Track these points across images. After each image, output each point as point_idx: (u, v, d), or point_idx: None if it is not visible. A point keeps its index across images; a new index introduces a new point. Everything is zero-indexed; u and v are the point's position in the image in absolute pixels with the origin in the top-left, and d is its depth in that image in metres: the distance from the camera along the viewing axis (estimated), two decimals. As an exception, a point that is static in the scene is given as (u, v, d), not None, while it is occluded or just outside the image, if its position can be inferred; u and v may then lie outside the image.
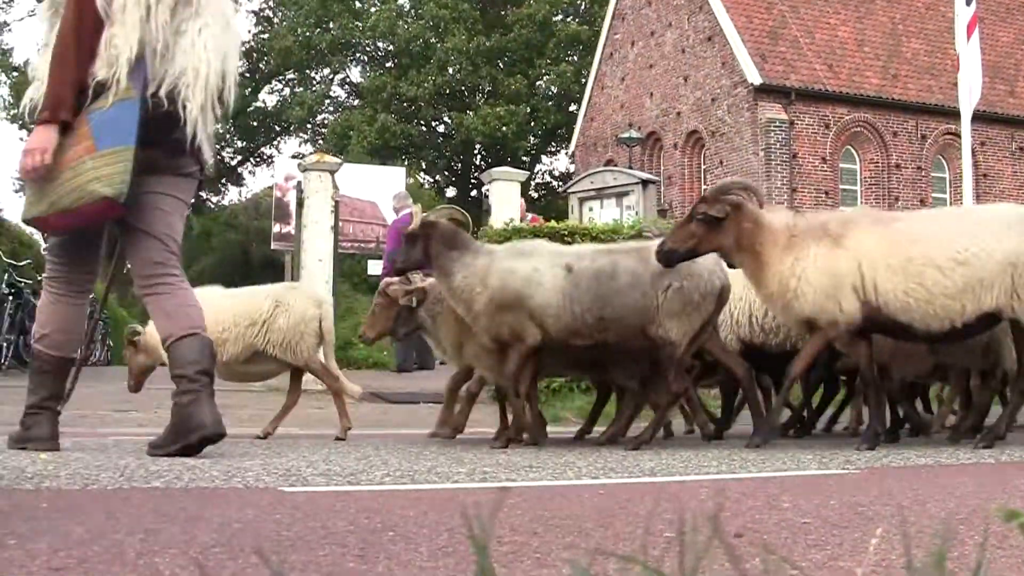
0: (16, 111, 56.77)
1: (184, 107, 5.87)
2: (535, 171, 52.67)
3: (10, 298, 20.79)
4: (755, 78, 30.94)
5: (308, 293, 8.76)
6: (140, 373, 8.94)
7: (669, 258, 7.36)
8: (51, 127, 5.68)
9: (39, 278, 23.46)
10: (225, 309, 8.38)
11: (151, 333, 8.37)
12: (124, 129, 5.67)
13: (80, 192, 5.68)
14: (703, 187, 33.82)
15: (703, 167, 34.42)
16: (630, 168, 27.65)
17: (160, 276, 6.10)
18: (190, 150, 6.02)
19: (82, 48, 5.73)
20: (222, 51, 6.03)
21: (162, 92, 5.79)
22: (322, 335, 8.53)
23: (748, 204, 7.49)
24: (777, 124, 30.84)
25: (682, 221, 7.61)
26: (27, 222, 6.35)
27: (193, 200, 6.70)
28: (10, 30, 62.37)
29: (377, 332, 8.55)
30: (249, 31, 59.68)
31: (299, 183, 19.94)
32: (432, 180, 54.65)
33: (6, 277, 20.91)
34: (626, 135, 34.23)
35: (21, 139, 61.76)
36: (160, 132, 5.83)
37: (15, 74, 56.24)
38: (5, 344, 20.77)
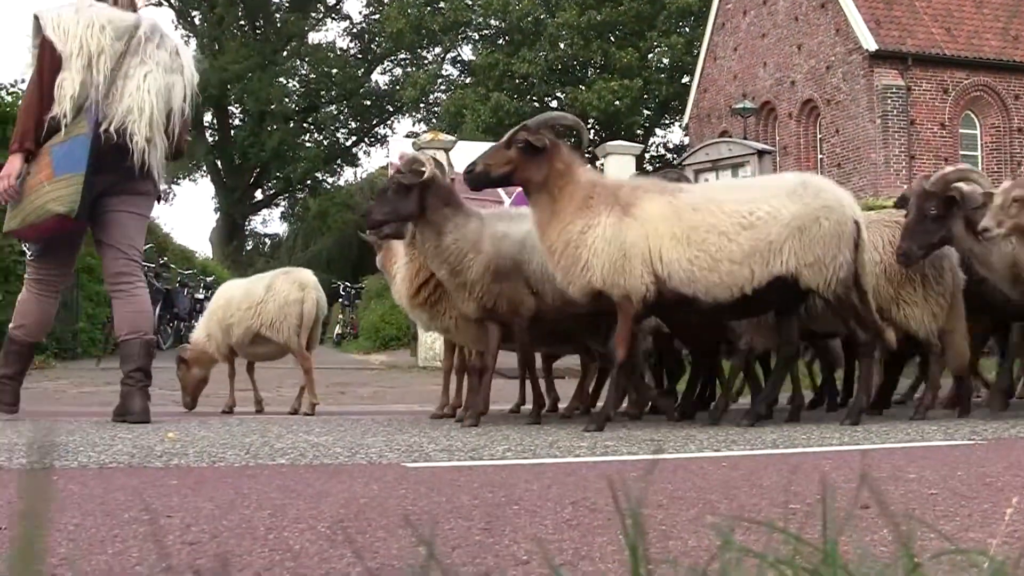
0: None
1: (132, 139, 7.09)
2: (649, 144, 52.39)
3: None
4: (870, 44, 30.45)
5: (295, 277, 9.35)
6: (195, 387, 9.47)
7: (478, 181, 7.23)
8: (17, 156, 7.04)
9: (161, 261, 23.94)
10: (234, 297, 9.33)
11: (195, 344, 9.02)
12: (77, 159, 6.93)
13: (41, 210, 6.97)
14: (819, 157, 33.42)
15: (819, 136, 33.99)
16: (745, 139, 27.42)
17: (120, 283, 7.32)
18: (143, 174, 7.19)
19: (42, 90, 7.04)
20: (166, 92, 7.31)
21: (112, 128, 7.05)
22: (303, 316, 9.16)
23: (565, 146, 7.26)
24: (894, 91, 30.34)
25: (500, 145, 7.25)
26: (6, 234, 7.57)
27: (152, 213, 8.04)
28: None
29: None
30: (360, 12, 60.10)
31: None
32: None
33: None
34: (740, 106, 33.90)
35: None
36: (114, 160, 7.06)
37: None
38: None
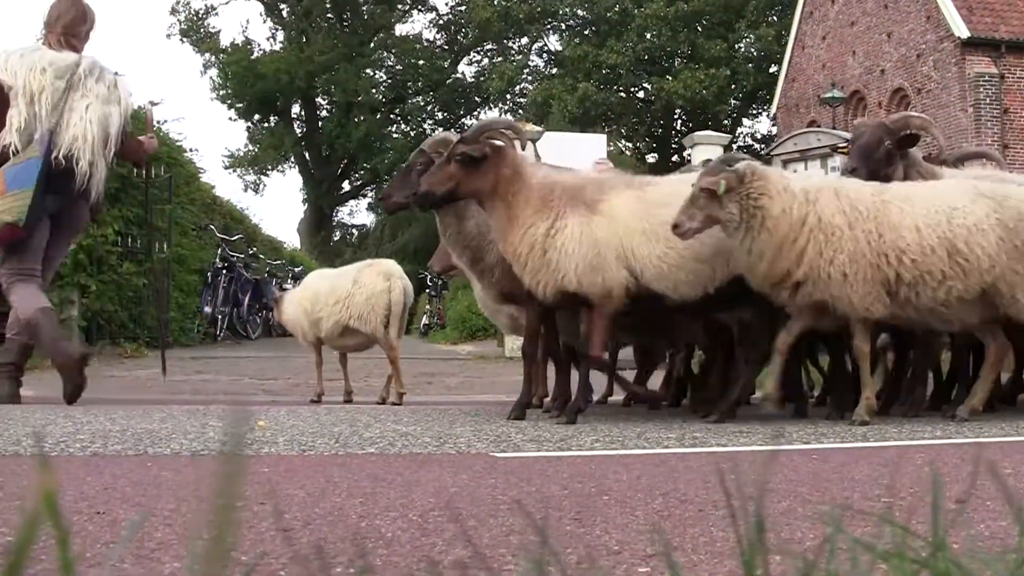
0: (225, 91, 58.48)
1: (77, 164, 8.15)
2: (736, 134, 52.11)
3: (224, 272, 21.34)
4: (962, 31, 30.02)
5: (380, 268, 9.39)
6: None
7: (424, 202, 7.12)
8: None
9: (250, 251, 24.16)
10: (321, 291, 9.47)
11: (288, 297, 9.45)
12: (27, 177, 7.99)
13: None
14: (910, 146, 32.97)
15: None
16: (834, 128, 27.12)
17: (37, 275, 8.32)
18: (84, 193, 8.26)
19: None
20: (105, 120, 8.28)
21: (61, 155, 8.09)
22: (390, 307, 9.21)
23: (511, 150, 7.04)
24: (986, 79, 29.89)
25: (442, 161, 7.05)
26: None
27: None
28: (217, 14, 63.88)
29: None
30: (447, 4, 60.22)
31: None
32: (633, 147, 54.49)
33: (219, 252, 21.47)
34: (829, 95, 33.57)
35: (230, 119, 63.53)
36: (64, 183, 8.16)
37: (223, 56, 57.66)
38: (220, 316, 21.39)
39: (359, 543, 2.68)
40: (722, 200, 6.48)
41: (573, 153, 26.49)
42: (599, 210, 6.87)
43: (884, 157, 7.31)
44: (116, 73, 8.58)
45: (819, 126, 30.89)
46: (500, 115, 57.97)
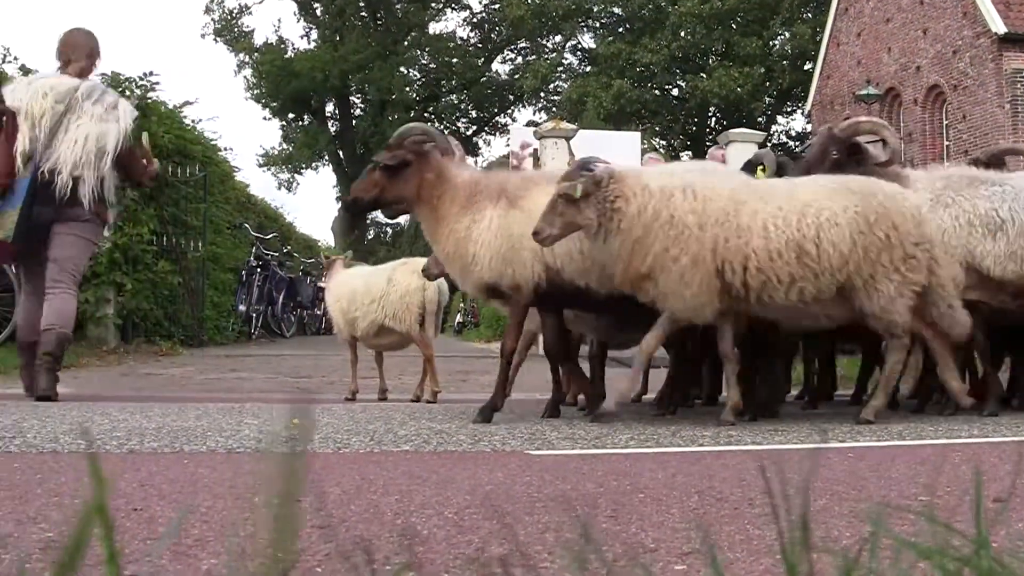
0: (259, 90, 58.68)
1: (58, 176, 8.59)
2: (771, 132, 51.93)
3: (258, 270, 21.41)
4: (999, 27, 29.79)
5: (414, 267, 9.26)
6: None
7: (353, 207, 7.40)
8: None
9: (284, 250, 24.24)
10: (357, 290, 9.47)
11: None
12: (17, 197, 8.57)
13: None
14: (945, 143, 32.83)
15: (945, 123, 33.36)
16: (868, 126, 27.01)
17: (52, 287, 8.68)
18: (74, 204, 8.68)
19: (7, 148, 8.66)
20: (101, 137, 8.75)
21: (46, 169, 8.60)
22: (424, 305, 9.17)
23: (433, 154, 7.14)
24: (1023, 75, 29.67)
25: (368, 169, 7.35)
26: None
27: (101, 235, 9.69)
28: (250, 13, 64.13)
29: None
30: (480, 2, 60.22)
31: (535, 150, 20.05)
32: (667, 144, 54.40)
33: (254, 250, 21.54)
34: (864, 92, 33.42)
35: (264, 118, 63.66)
36: (50, 195, 8.61)
37: (256, 55, 57.84)
38: (255, 315, 21.46)
39: (396, 540, 2.69)
40: (580, 205, 6.44)
41: (607, 151, 26.46)
42: (519, 205, 6.91)
43: (830, 168, 7.22)
44: (138, 93, 9.31)
45: (854, 123, 30.71)
46: (534, 112, 58.03)
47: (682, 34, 48.52)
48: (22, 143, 8.61)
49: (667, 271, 6.39)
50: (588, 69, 54.00)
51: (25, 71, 15.94)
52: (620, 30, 52.71)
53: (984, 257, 6.96)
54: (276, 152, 62.24)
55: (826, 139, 7.41)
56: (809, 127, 42.80)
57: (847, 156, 7.29)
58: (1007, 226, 6.96)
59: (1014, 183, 7.21)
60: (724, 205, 6.45)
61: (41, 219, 8.64)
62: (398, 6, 60.24)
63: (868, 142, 7.46)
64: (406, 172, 7.11)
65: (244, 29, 59.51)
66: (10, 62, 16.55)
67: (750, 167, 8.04)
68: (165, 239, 16.52)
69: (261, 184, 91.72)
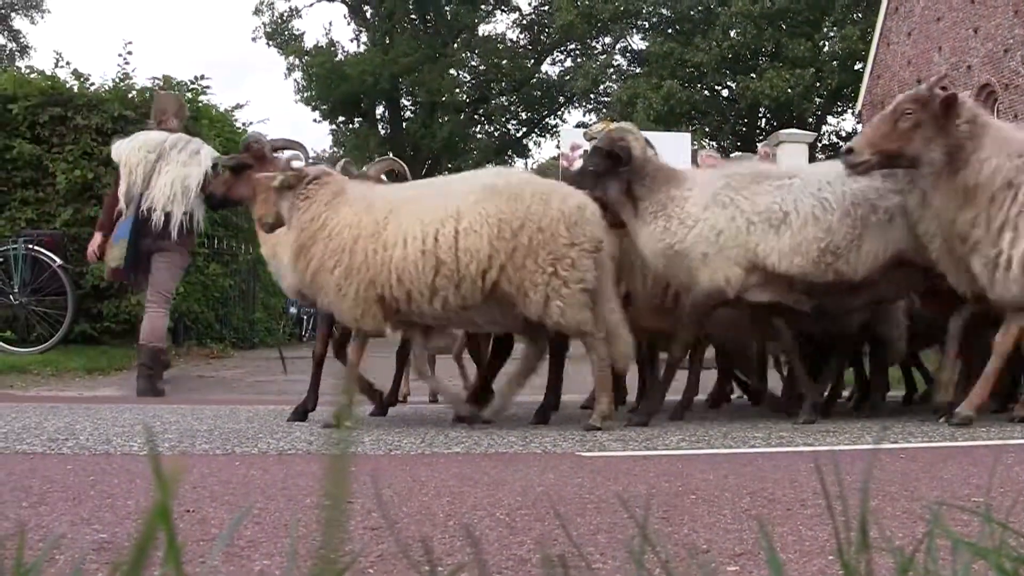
0: (309, 93, 58.92)
1: (153, 213, 10.59)
2: (821, 132, 51.63)
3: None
4: (1051, 25, 29.52)
5: None
6: None
7: (209, 202, 9.07)
8: (99, 234, 11.07)
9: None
10: None
11: None
12: (124, 231, 10.59)
13: (105, 265, 11.07)
14: (998, 142, 32.48)
15: (1026, 123, 33.01)
16: (920, 125, 26.83)
17: (147, 306, 10.87)
18: (166, 236, 10.65)
19: (114, 195, 10.96)
20: (183, 179, 10.69)
21: (144, 208, 10.61)
22: None
23: (275, 159, 7.88)
24: (1076, 74, 29.38)
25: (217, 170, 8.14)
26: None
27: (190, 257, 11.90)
28: (300, 16, 64.40)
29: None
30: (530, 4, 60.16)
31: (585, 152, 20.05)
32: (718, 145, 54.20)
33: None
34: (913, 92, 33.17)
35: (314, 120, 63.83)
36: (149, 229, 10.63)
37: (307, 58, 58.06)
38: (306, 317, 21.56)
39: (449, 542, 2.69)
40: (280, 196, 6.74)
41: (657, 151, 26.44)
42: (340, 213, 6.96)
43: (590, 180, 7.11)
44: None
45: (905, 123, 30.50)
46: (584, 114, 58.01)
47: (732, 34, 48.34)
48: (123, 188, 10.69)
49: (326, 280, 6.51)
50: (638, 70, 53.90)
51: (77, 75, 16.08)
52: (669, 31, 52.58)
53: (768, 254, 6.80)
54: (327, 155, 62.49)
55: (592, 152, 7.32)
56: (859, 127, 42.52)
57: (606, 167, 7.12)
58: (791, 219, 6.79)
59: (803, 176, 7.05)
60: (378, 217, 6.52)
61: (143, 249, 10.66)
62: (447, 8, 60.30)
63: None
64: (244, 175, 8.00)
65: (294, 32, 59.74)
66: (62, 67, 16.66)
67: None
68: (216, 241, 16.61)
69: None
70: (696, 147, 38.44)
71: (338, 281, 6.47)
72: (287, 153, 8.36)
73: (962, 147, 6.35)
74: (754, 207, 6.86)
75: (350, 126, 61.60)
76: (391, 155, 11.65)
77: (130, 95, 15.83)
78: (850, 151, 6.51)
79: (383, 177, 8.36)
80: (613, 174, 7.03)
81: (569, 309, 6.28)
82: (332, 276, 6.47)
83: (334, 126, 61.89)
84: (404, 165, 8.59)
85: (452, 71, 58.62)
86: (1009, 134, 6.49)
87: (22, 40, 57.89)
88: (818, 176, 6.98)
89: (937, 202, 6.43)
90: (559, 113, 61.57)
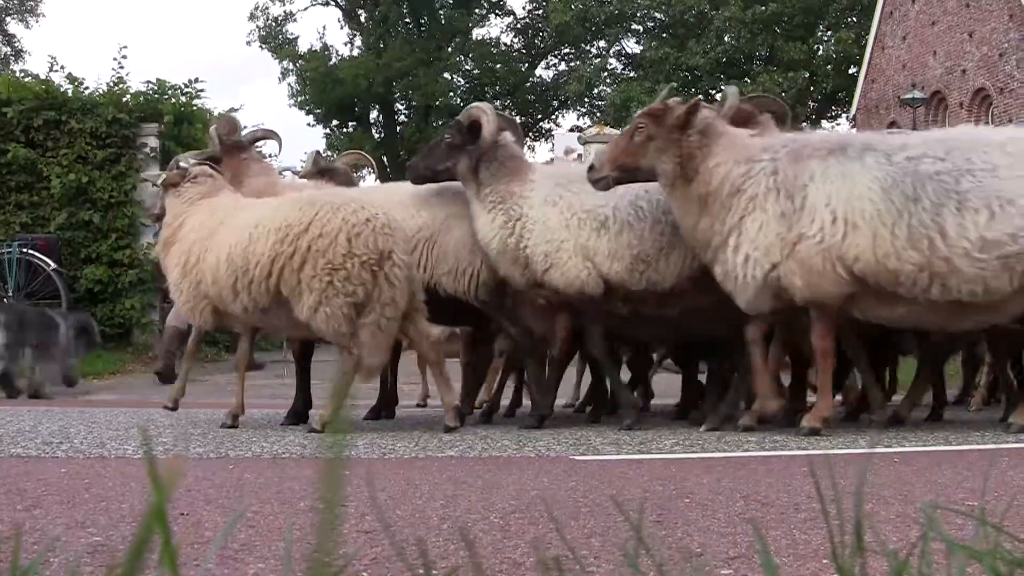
0: (304, 97, 58.87)
1: None
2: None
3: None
4: (1047, 30, 29.55)
5: None
6: None
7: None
8: None
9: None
10: None
11: None
12: None
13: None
14: (992, 147, 32.48)
15: (991, 126, 33.03)
16: (914, 129, 26.85)
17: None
18: None
19: None
20: None
21: None
22: None
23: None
24: (1071, 78, 29.42)
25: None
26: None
27: None
28: (295, 20, 64.35)
29: None
30: (524, 8, 60.24)
31: (579, 156, 20.03)
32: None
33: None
34: (909, 96, 33.17)
35: (308, 124, 63.83)
36: None
37: (301, 62, 58.04)
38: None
39: (443, 545, 2.69)
40: (165, 192, 7.24)
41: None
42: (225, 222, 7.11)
43: (442, 152, 7.26)
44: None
45: (899, 127, 30.55)
46: (578, 118, 57.97)
47: (726, 39, 48.38)
48: None
49: (174, 278, 6.94)
50: (632, 74, 53.90)
51: (72, 80, 16.09)
52: (664, 35, 52.59)
53: (596, 253, 6.86)
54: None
55: (453, 123, 7.52)
56: (854, 131, 42.55)
57: (460, 140, 7.17)
58: (609, 223, 6.83)
59: None
60: (215, 221, 6.81)
61: None
62: (441, 12, 60.30)
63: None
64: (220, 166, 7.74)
65: (288, 36, 59.68)
66: (57, 71, 16.67)
67: None
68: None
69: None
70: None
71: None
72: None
73: (693, 157, 6.41)
74: (582, 205, 6.91)
75: (344, 130, 61.57)
76: (363, 152, 11.74)
77: (124, 99, 15.85)
78: (591, 168, 6.68)
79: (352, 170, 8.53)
80: (464, 150, 7.10)
81: (333, 319, 6.30)
82: (170, 275, 6.94)
83: (328, 130, 61.84)
84: (370, 158, 8.70)
85: (446, 75, 58.60)
86: (741, 140, 6.51)
87: (16, 44, 57.74)
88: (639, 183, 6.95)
89: (677, 212, 6.53)
90: (553, 117, 61.60)
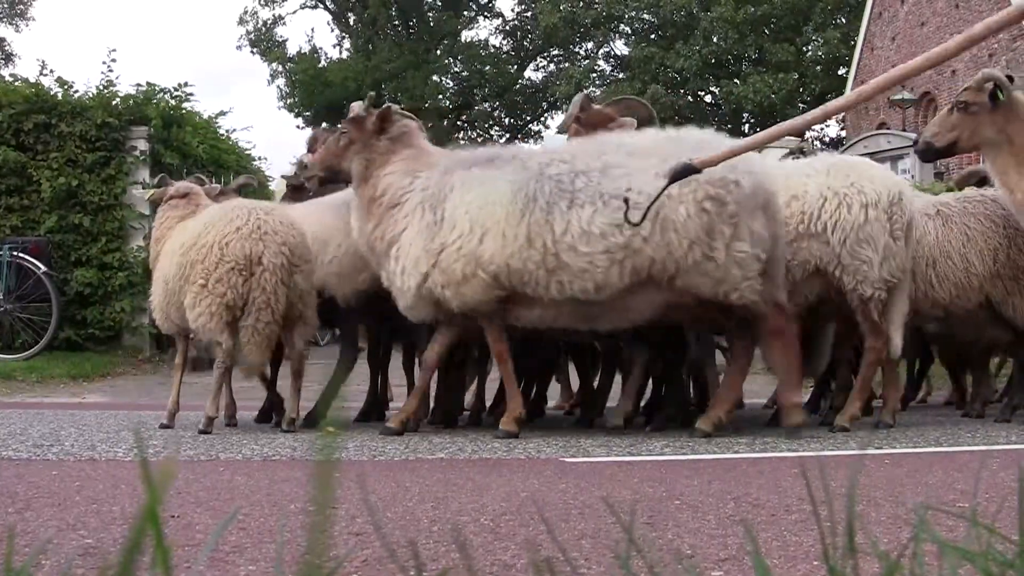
0: (292, 100, 58.84)
1: None
2: (805, 137, 51.56)
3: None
4: (1035, 31, 29.59)
5: None
6: None
7: None
8: None
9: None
10: None
11: None
12: None
13: None
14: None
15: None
16: (904, 131, 26.86)
17: None
18: None
19: None
20: None
21: None
22: None
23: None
24: (1060, 79, 29.43)
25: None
26: None
27: None
28: (284, 23, 64.32)
29: None
30: (512, 10, 60.27)
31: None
32: (700, 151, 54.17)
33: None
34: (899, 96, 33.15)
35: (297, 127, 63.91)
36: None
37: (290, 64, 58.04)
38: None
39: (433, 547, 2.69)
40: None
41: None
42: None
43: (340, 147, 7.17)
44: None
45: (889, 128, 30.59)
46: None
47: (715, 40, 48.40)
48: None
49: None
50: (621, 75, 53.90)
51: (62, 83, 16.06)
52: (652, 36, 52.60)
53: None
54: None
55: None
56: (844, 133, 42.57)
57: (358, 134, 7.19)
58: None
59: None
60: (180, 239, 6.98)
61: None
62: (430, 15, 60.29)
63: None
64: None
65: (277, 39, 59.66)
66: (46, 75, 16.64)
67: None
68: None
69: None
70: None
71: (153, 289, 7.22)
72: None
73: (373, 162, 6.66)
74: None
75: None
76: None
77: (114, 102, 15.82)
78: (304, 166, 7.19)
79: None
80: (356, 145, 7.05)
81: (202, 316, 6.53)
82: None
83: (318, 133, 61.89)
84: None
85: (435, 77, 58.59)
86: (424, 156, 6.74)
87: (7, 48, 57.63)
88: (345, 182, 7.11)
89: (353, 214, 6.75)
90: (542, 119, 61.61)
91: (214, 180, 14.84)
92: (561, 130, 7.46)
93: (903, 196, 6.83)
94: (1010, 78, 6.93)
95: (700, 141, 6.41)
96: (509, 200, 6.10)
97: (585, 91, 8.12)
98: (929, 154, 7.06)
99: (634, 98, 8.60)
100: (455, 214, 6.24)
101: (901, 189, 6.92)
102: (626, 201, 5.77)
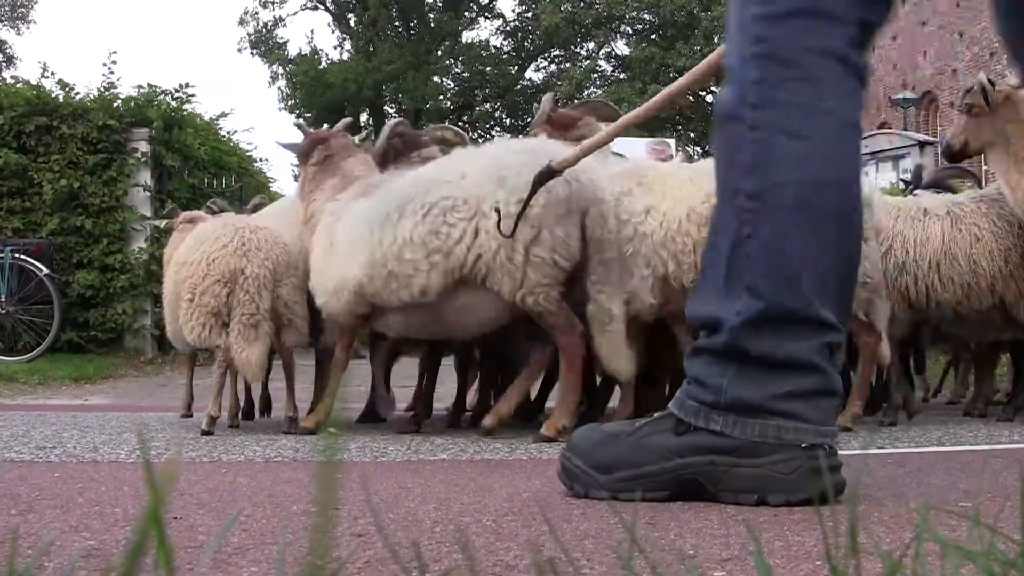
0: (293, 101, 58.89)
1: None
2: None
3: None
4: (1036, 30, 29.52)
5: None
6: None
7: None
8: None
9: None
10: None
11: None
12: None
13: None
14: (983, 147, 32.59)
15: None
16: (905, 130, 26.87)
17: None
18: None
19: None
20: None
21: None
22: None
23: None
24: (1062, 77, 29.39)
25: None
26: None
27: None
28: (285, 25, 64.36)
29: None
30: (513, 11, 60.31)
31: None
32: (702, 150, 54.23)
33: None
34: (900, 96, 33.19)
35: (297, 126, 63.97)
36: None
37: (291, 66, 58.09)
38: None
39: (435, 548, 2.69)
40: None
41: (641, 156, 26.58)
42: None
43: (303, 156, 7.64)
44: None
45: (891, 128, 30.59)
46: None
47: (715, 40, 48.43)
48: None
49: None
50: (622, 76, 53.97)
51: (63, 85, 16.09)
52: (653, 36, 52.66)
53: None
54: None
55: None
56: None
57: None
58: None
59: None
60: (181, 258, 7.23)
61: None
62: (431, 16, 60.36)
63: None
64: None
65: (278, 40, 59.76)
66: (48, 77, 16.68)
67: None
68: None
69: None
70: (679, 152, 38.42)
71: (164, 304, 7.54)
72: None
73: (304, 185, 7.27)
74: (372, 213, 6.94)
75: (334, 134, 61.68)
76: None
77: (115, 104, 15.86)
78: None
79: None
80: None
81: (195, 329, 6.78)
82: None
83: (319, 133, 61.98)
84: (463, 134, 8.96)
85: (436, 78, 58.67)
86: (352, 181, 6.97)
87: (8, 51, 57.75)
88: None
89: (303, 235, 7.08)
90: (544, 119, 61.72)
91: (215, 181, 14.85)
92: (531, 132, 7.50)
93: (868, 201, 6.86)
94: None
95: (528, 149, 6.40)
96: (369, 220, 6.39)
97: (553, 93, 8.26)
98: (950, 155, 7.35)
99: (598, 100, 8.72)
100: (338, 240, 6.59)
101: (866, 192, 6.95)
102: (497, 212, 5.86)
